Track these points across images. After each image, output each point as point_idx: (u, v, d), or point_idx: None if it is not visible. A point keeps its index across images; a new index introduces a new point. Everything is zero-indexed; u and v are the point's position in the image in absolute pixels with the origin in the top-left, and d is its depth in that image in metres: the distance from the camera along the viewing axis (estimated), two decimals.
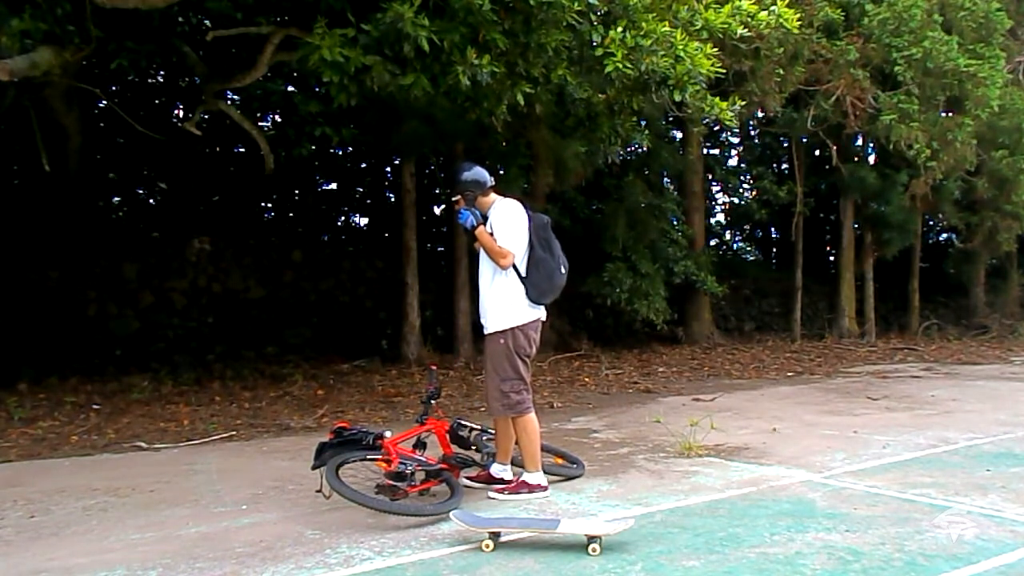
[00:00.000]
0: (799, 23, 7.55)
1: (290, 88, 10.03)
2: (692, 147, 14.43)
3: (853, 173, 14.59)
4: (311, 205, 13.93)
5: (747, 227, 20.82)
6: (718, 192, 19.74)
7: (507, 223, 4.19)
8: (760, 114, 13.53)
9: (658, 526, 3.67)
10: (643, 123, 10.43)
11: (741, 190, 19.66)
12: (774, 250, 21.09)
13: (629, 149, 12.63)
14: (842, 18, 11.25)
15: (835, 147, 13.80)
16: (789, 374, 10.73)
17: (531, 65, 6.27)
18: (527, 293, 4.20)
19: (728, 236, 21.07)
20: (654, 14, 6.23)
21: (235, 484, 4.81)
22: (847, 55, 11.29)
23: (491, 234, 4.20)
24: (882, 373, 10.62)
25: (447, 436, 4.52)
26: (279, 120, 11.98)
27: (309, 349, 10.95)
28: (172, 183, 12.51)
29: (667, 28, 6.16)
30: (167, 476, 5.09)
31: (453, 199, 4.38)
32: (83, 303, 10.02)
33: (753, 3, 6.78)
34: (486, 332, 4.29)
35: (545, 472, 4.56)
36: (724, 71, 7.23)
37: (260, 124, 11.11)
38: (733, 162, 19.51)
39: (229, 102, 9.73)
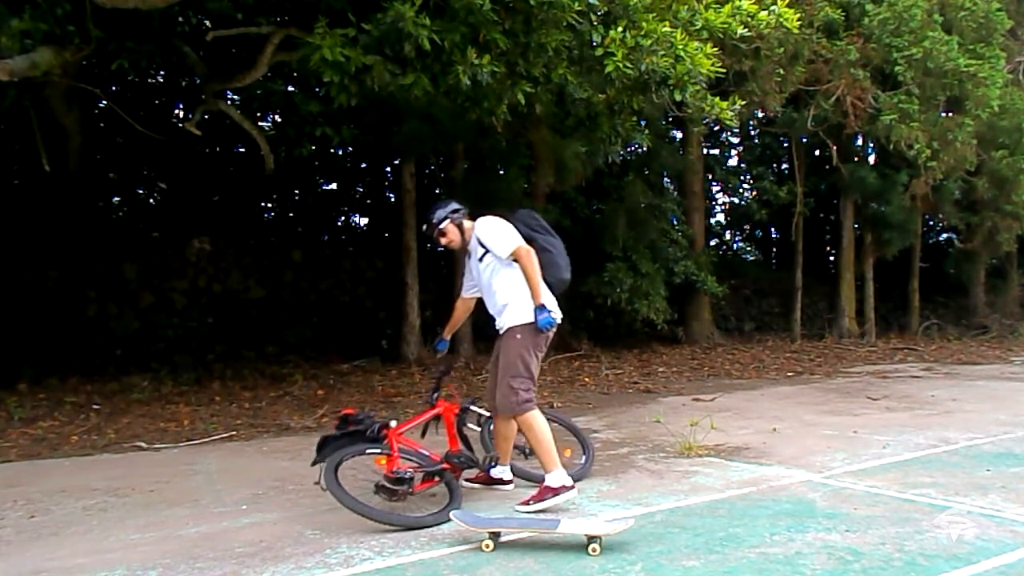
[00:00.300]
0: (799, 23, 7.54)
1: (290, 88, 10.02)
2: (692, 147, 14.43)
3: (853, 173, 14.58)
4: (311, 205, 13.93)
5: (747, 227, 20.82)
6: (718, 192, 19.77)
7: (496, 233, 4.17)
8: (760, 114, 13.53)
9: (658, 526, 3.67)
10: (643, 123, 10.42)
11: (741, 190, 19.68)
12: (774, 250, 21.09)
13: (629, 149, 12.64)
14: (842, 18, 11.25)
15: (835, 147, 13.80)
16: (789, 374, 10.73)
17: (531, 65, 6.27)
18: (546, 277, 4.14)
19: (728, 236, 21.09)
20: (654, 14, 6.23)
21: (235, 484, 4.82)
22: (847, 55, 11.29)
23: (487, 252, 4.19)
24: (882, 373, 10.62)
25: (455, 423, 4.44)
26: (279, 120, 11.98)
27: (309, 349, 10.95)
28: (172, 183, 12.51)
29: (667, 28, 6.15)
30: (167, 476, 5.09)
31: (439, 229, 4.32)
32: (83, 303, 10.02)
33: (753, 3, 6.77)
34: (502, 330, 4.18)
35: (527, 478, 4.56)
36: (724, 71, 7.22)
37: (260, 124, 11.11)
38: (733, 162, 19.54)
39: (229, 102, 9.73)
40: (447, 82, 5.89)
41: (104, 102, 8.98)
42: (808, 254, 16.05)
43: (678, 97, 6.45)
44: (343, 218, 14.70)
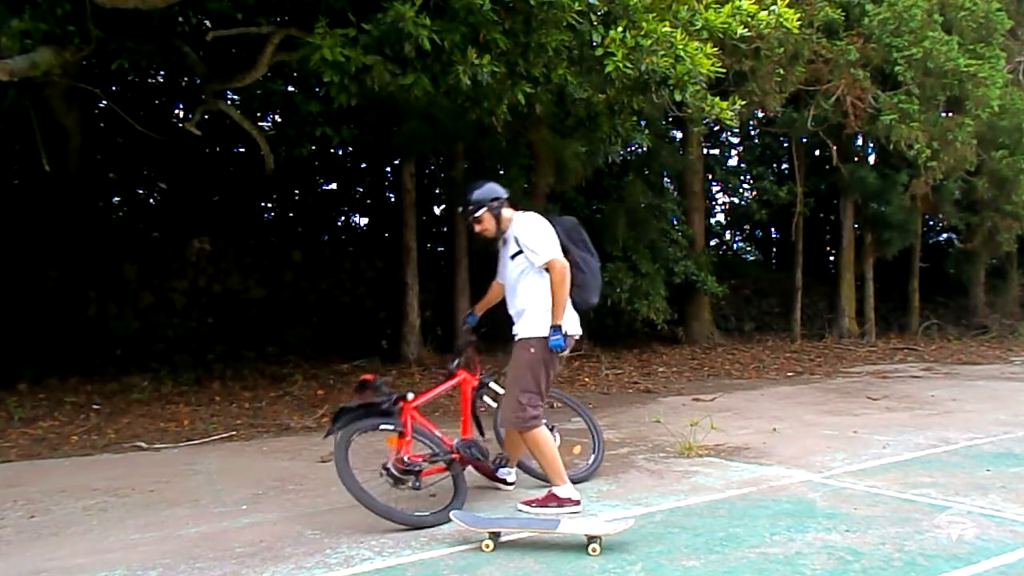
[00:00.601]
0: (799, 23, 7.55)
1: (290, 88, 10.03)
2: (692, 147, 14.43)
3: (853, 173, 14.58)
4: (311, 205, 13.93)
5: (747, 227, 20.82)
6: (718, 192, 19.76)
7: (536, 237, 3.95)
8: (760, 114, 13.53)
9: (658, 526, 3.67)
10: (643, 123, 10.43)
11: (741, 190, 19.68)
12: (774, 250, 21.09)
13: (629, 149, 12.63)
14: (842, 18, 11.26)
15: (835, 147, 13.80)
16: (789, 374, 10.73)
17: (531, 65, 6.27)
18: (576, 296, 3.99)
19: (728, 236, 21.09)
20: (654, 14, 6.23)
21: (235, 484, 4.82)
22: (847, 55, 11.29)
23: (520, 252, 3.99)
24: (882, 373, 10.62)
25: (472, 396, 4.36)
26: (279, 120, 11.99)
27: (309, 349, 10.95)
28: (172, 183, 12.51)
29: (667, 28, 6.16)
30: (167, 476, 5.09)
31: (474, 217, 4.11)
32: (83, 303, 10.02)
33: (753, 3, 6.78)
34: (516, 337, 4.04)
35: (535, 475, 4.54)
36: (724, 71, 7.22)
37: (260, 124, 11.12)
38: (733, 162, 19.53)
39: (229, 102, 9.74)
40: (447, 82, 5.90)
41: (104, 102, 8.98)
42: (808, 254, 16.05)
43: (678, 97, 6.46)
44: (343, 218, 14.70)
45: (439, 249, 13.93)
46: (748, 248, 21.33)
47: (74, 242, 9.95)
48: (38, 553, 3.56)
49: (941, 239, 20.30)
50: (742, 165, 19.40)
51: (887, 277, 17.23)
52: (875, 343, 15.00)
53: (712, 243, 18.20)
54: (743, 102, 7.52)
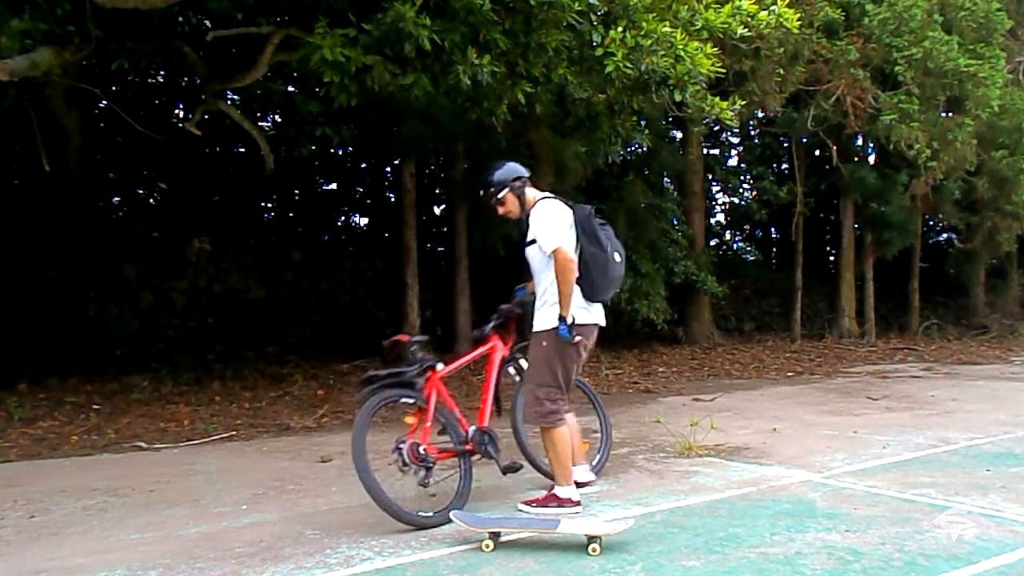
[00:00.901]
0: (799, 23, 7.55)
1: (290, 88, 10.03)
2: (692, 147, 14.43)
3: (853, 173, 14.58)
4: (311, 205, 13.93)
5: (747, 227, 20.82)
6: (718, 192, 19.76)
7: (547, 225, 3.84)
8: (760, 114, 13.52)
9: (658, 526, 3.67)
10: (643, 123, 10.42)
11: (741, 190, 19.68)
12: (774, 250, 21.09)
13: (629, 149, 12.63)
14: (842, 18, 11.25)
15: (835, 147, 13.80)
16: (789, 374, 10.73)
17: (531, 65, 6.27)
18: (583, 292, 3.86)
19: (728, 236, 21.09)
20: (654, 14, 6.24)
21: (235, 484, 4.82)
22: (847, 55, 11.29)
23: (534, 241, 3.90)
24: (882, 373, 10.62)
25: (499, 366, 4.28)
26: (279, 120, 11.99)
27: (309, 349, 10.95)
28: (172, 183, 12.51)
29: (667, 28, 6.16)
30: (167, 476, 5.09)
31: (497, 198, 4.03)
32: (83, 303, 10.02)
33: (753, 3, 6.78)
34: (534, 329, 3.96)
35: (545, 475, 4.53)
36: (724, 71, 7.22)
37: (260, 124, 11.12)
38: (733, 162, 19.53)
39: (229, 102, 9.74)
40: (447, 82, 5.90)
41: (104, 102, 8.98)
42: (808, 254, 16.05)
43: (678, 97, 6.46)
44: (343, 218, 14.70)
45: (439, 249, 13.93)
46: (748, 248, 21.34)
47: (74, 242, 9.96)
48: (38, 553, 3.56)
49: (941, 239, 20.30)
50: (742, 165, 19.40)
51: (887, 277, 17.23)
52: (875, 343, 15.00)
53: (712, 243, 18.20)
54: (743, 102, 7.52)
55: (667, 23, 6.26)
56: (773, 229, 20.60)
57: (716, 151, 18.52)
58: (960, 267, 18.09)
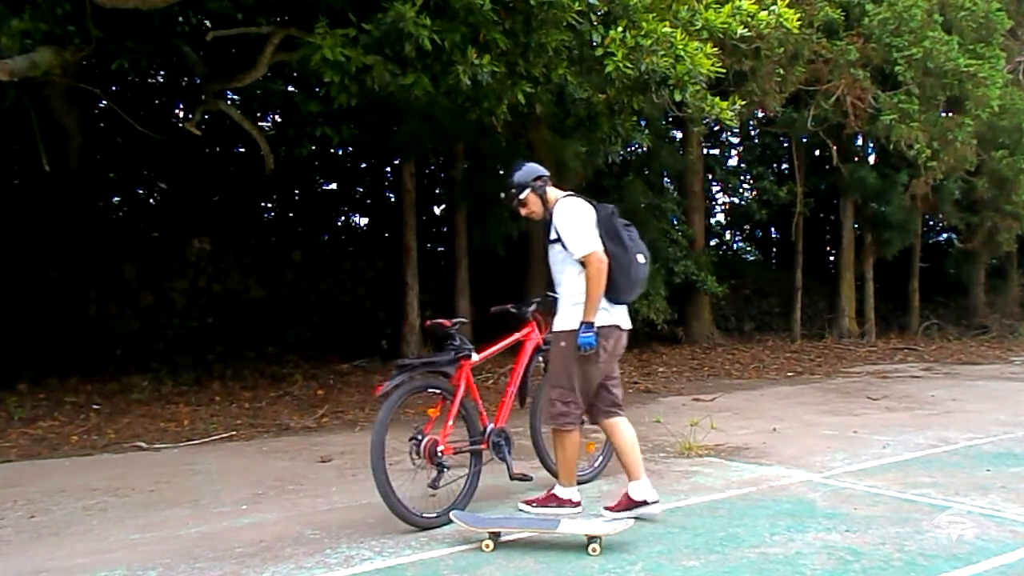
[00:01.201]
0: (799, 23, 7.55)
1: (290, 88, 10.03)
2: (692, 147, 14.43)
3: (853, 173, 14.58)
4: (311, 205, 13.94)
5: (747, 227, 20.82)
6: (718, 192, 19.76)
7: (576, 227, 3.75)
8: (760, 114, 13.53)
9: (658, 526, 3.67)
10: (643, 123, 10.43)
11: (741, 190, 19.67)
12: (774, 250, 21.09)
13: (629, 149, 12.63)
14: (842, 18, 11.25)
15: (835, 147, 13.80)
16: (789, 374, 10.73)
17: (531, 65, 6.27)
18: (606, 295, 3.75)
19: (728, 236, 21.09)
20: (654, 14, 6.24)
21: (235, 484, 4.82)
22: (847, 55, 11.29)
23: (558, 239, 3.81)
24: (882, 373, 10.62)
25: (531, 356, 4.24)
26: (279, 120, 11.99)
27: (309, 349, 10.96)
28: (172, 183, 12.52)
29: (667, 28, 6.16)
30: (167, 476, 5.09)
31: (520, 199, 3.96)
32: (83, 303, 10.02)
33: (753, 3, 6.78)
34: (553, 329, 3.90)
35: (554, 475, 4.51)
36: (724, 71, 7.22)
37: (260, 124, 11.12)
38: (733, 162, 19.53)
39: (229, 102, 9.74)
40: (447, 82, 5.90)
41: (104, 102, 8.99)
42: (808, 254, 16.05)
43: (678, 97, 6.46)
44: (343, 218, 14.71)
45: (439, 249, 13.93)
46: (748, 248, 21.33)
47: (74, 242, 9.96)
48: (38, 553, 3.56)
49: (941, 239, 20.30)
50: (742, 165, 19.40)
51: (887, 277, 17.23)
52: (875, 343, 15.00)
53: (712, 243, 18.20)
54: (743, 102, 7.52)
55: (667, 23, 6.26)
56: (773, 229, 20.61)
57: (716, 151, 18.53)
58: (960, 267, 18.09)
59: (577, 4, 5.81)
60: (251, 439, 6.45)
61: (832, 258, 18.03)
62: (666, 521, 3.75)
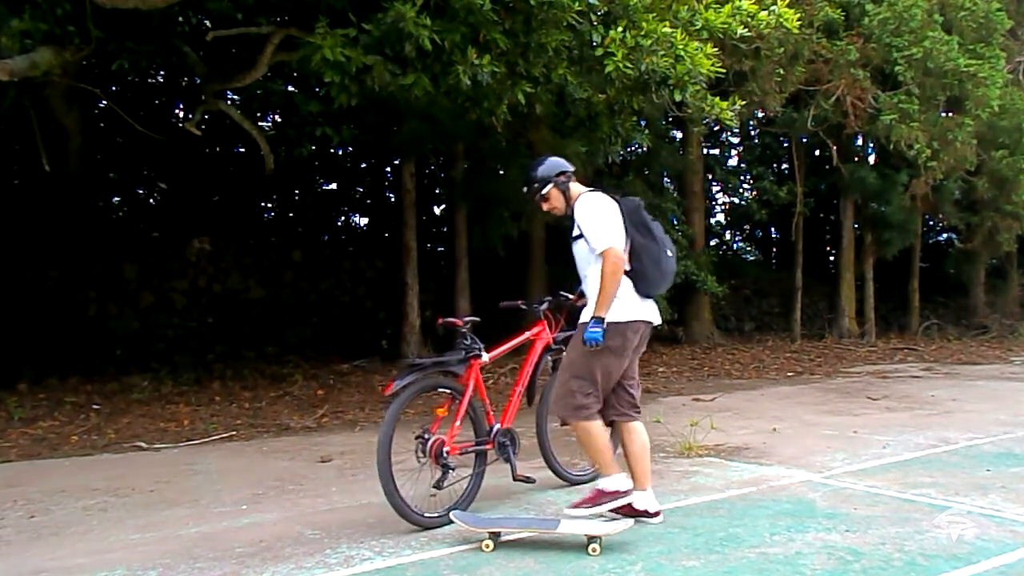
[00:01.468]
0: (799, 23, 7.55)
1: (290, 88, 10.03)
2: (692, 147, 14.43)
3: (853, 173, 14.58)
4: (311, 205, 13.94)
5: (747, 227, 20.81)
6: (718, 192, 19.75)
7: (595, 220, 3.65)
8: (760, 114, 13.52)
9: (658, 526, 3.67)
10: (643, 123, 10.42)
11: (741, 190, 19.67)
12: (774, 250, 21.09)
13: (629, 149, 12.63)
14: (842, 18, 11.25)
15: (835, 147, 13.80)
16: (789, 374, 10.73)
17: (531, 65, 6.27)
18: (636, 288, 3.66)
19: (728, 236, 21.08)
20: (654, 14, 6.23)
21: (235, 484, 4.82)
22: (847, 55, 11.29)
23: (581, 236, 3.71)
24: (882, 373, 10.62)
25: (540, 355, 4.19)
26: (279, 120, 11.99)
27: (309, 349, 10.96)
28: (172, 183, 12.52)
29: (667, 28, 6.16)
30: (167, 476, 5.09)
31: (542, 194, 3.87)
32: (83, 303, 10.02)
33: (753, 3, 6.78)
34: (580, 322, 3.74)
35: (559, 476, 4.49)
36: (724, 71, 7.22)
37: (260, 124, 11.12)
38: (733, 162, 19.52)
39: (229, 102, 9.74)
40: (447, 82, 5.90)
41: (104, 102, 8.98)
42: (808, 254, 16.05)
43: (678, 97, 6.46)
44: (343, 218, 14.71)
45: (439, 249, 13.93)
46: (748, 248, 21.33)
47: (74, 242, 9.96)
48: (38, 553, 3.56)
49: (941, 239, 20.31)
50: (742, 165, 19.40)
51: (887, 277, 17.24)
52: (875, 343, 15.00)
53: (712, 243, 18.20)
54: (743, 102, 7.52)
55: (667, 23, 6.26)
56: (773, 229, 20.60)
57: (716, 151, 18.53)
58: (960, 267, 18.09)
59: (577, 4, 5.81)
60: (251, 439, 6.45)
61: (832, 258, 18.03)
62: (666, 521, 3.75)
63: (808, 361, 12.13)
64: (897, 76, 11.33)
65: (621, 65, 5.97)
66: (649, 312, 3.74)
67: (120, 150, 11.36)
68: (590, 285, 3.71)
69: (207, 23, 7.74)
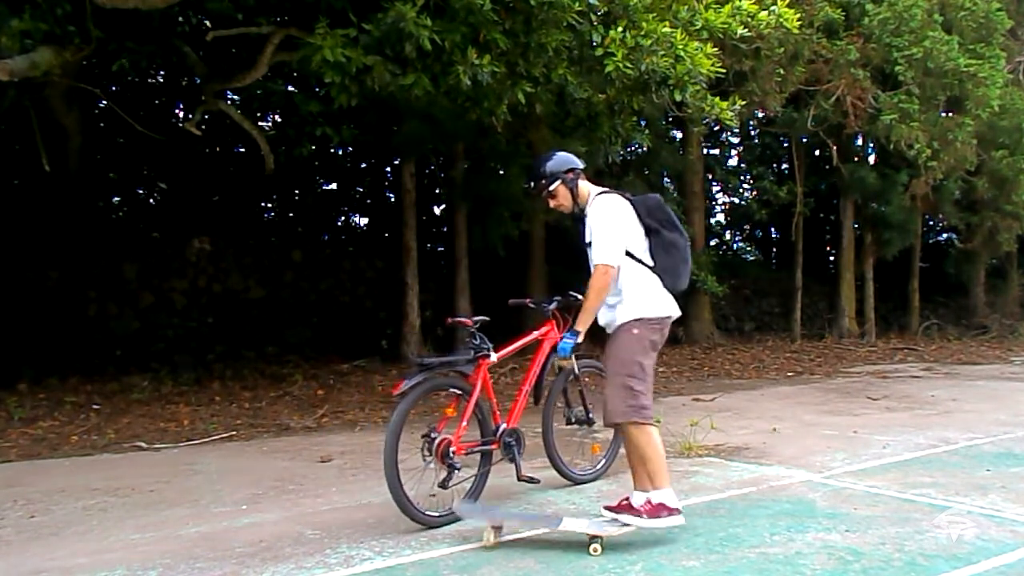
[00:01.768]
0: (799, 23, 7.54)
1: (290, 88, 10.03)
2: (692, 147, 14.43)
3: (853, 173, 14.59)
4: (311, 205, 13.94)
5: (747, 227, 20.82)
6: (718, 192, 19.77)
7: (602, 231, 3.54)
8: (760, 114, 13.53)
9: None
10: (643, 123, 10.42)
11: (741, 190, 19.68)
12: (774, 250, 21.09)
13: (629, 149, 12.63)
14: (842, 18, 11.25)
15: (835, 147, 13.80)
16: (789, 374, 10.73)
17: (531, 65, 6.27)
18: (663, 283, 3.60)
19: (728, 236, 21.09)
20: (654, 14, 6.23)
21: (235, 484, 4.81)
22: (847, 55, 11.29)
23: (590, 242, 3.60)
24: (882, 373, 10.62)
25: (546, 356, 4.15)
26: (279, 120, 11.99)
27: (309, 349, 10.96)
28: (172, 183, 12.52)
29: (667, 28, 6.16)
30: (167, 476, 5.09)
31: (548, 191, 3.75)
32: (83, 303, 10.02)
33: (753, 3, 6.78)
34: (610, 327, 3.66)
35: (563, 476, 4.48)
36: (724, 71, 7.22)
37: (260, 124, 11.12)
38: (733, 162, 19.53)
39: (229, 102, 9.74)
40: (447, 82, 5.89)
41: (104, 102, 8.98)
42: (808, 254, 16.05)
43: (678, 97, 6.46)
44: (343, 218, 14.71)
45: (439, 249, 13.93)
46: (748, 248, 21.34)
47: (74, 242, 9.95)
48: (38, 553, 3.56)
49: (941, 239, 20.31)
50: (742, 165, 19.41)
51: (887, 277, 17.24)
52: (875, 343, 15.00)
53: (712, 243, 18.21)
54: (743, 102, 7.52)
55: (667, 23, 6.26)
56: (773, 229, 20.61)
57: (716, 151, 18.53)
58: (960, 267, 18.10)
59: (577, 4, 5.81)
60: (251, 439, 6.45)
61: (832, 258, 18.04)
62: None
63: (808, 361, 12.13)
64: (897, 76, 11.33)
65: (621, 65, 5.97)
66: (674, 307, 3.69)
67: (120, 150, 11.36)
68: (619, 286, 3.62)
69: (207, 23, 7.74)
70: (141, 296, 10.44)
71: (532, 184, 3.85)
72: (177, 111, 11.80)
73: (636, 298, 3.57)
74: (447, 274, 11.95)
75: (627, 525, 3.41)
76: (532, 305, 4.45)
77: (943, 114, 12.44)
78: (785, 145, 16.80)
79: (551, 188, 3.74)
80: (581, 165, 3.79)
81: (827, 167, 15.51)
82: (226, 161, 12.57)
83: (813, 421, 6.71)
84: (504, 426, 4.04)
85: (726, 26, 6.60)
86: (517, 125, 8.74)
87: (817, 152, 16.58)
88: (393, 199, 13.57)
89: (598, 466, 4.70)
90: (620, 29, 5.98)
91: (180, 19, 7.49)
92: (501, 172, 11.09)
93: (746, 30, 6.81)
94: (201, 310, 10.75)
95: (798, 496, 4.20)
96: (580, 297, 4.11)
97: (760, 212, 17.07)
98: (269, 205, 13.95)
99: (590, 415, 4.57)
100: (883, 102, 11.70)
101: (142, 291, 10.47)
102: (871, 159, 15.87)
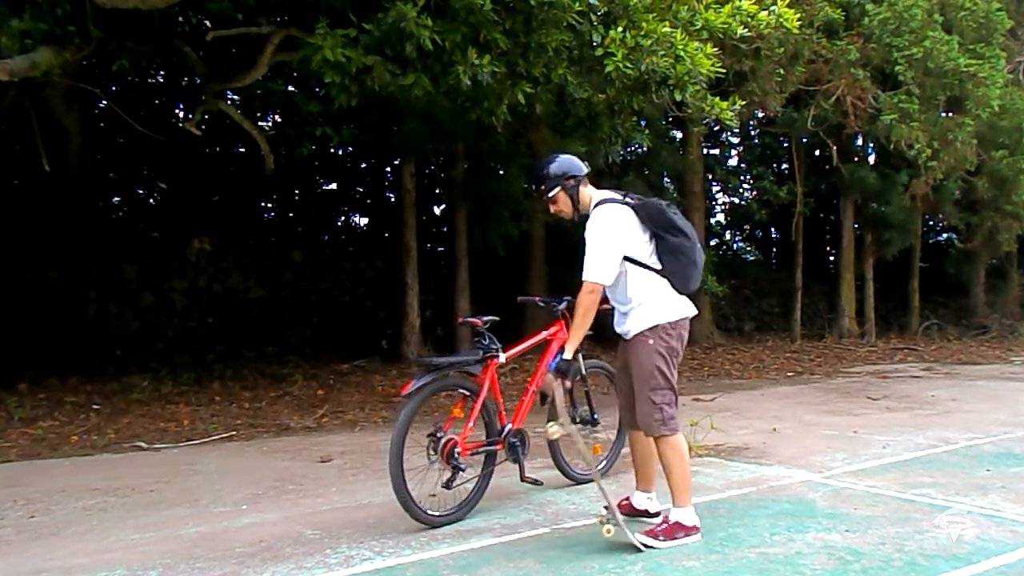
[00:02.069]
0: (799, 23, 7.54)
1: (290, 88, 10.02)
2: (692, 147, 14.42)
3: (853, 173, 14.59)
4: (311, 205, 13.93)
5: (747, 227, 20.82)
6: (718, 192, 19.76)
7: (596, 246, 3.45)
8: (760, 114, 13.52)
9: None
10: (643, 123, 10.41)
11: (741, 190, 19.68)
12: (774, 250, 21.09)
13: (629, 149, 12.62)
14: (842, 18, 11.25)
15: (835, 147, 13.80)
16: (789, 374, 10.73)
17: (531, 65, 6.27)
18: (674, 285, 3.53)
19: (728, 236, 21.08)
20: (654, 14, 6.23)
21: (235, 484, 4.82)
22: (847, 55, 11.29)
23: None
24: (882, 373, 10.62)
25: (552, 361, 4.11)
26: (279, 120, 11.98)
27: (309, 349, 10.95)
28: (172, 183, 12.51)
29: (667, 28, 6.16)
30: (167, 476, 5.09)
31: (548, 197, 3.67)
32: (83, 303, 10.02)
33: (753, 3, 6.78)
34: (627, 335, 3.59)
35: (566, 476, 4.48)
36: (724, 71, 7.22)
37: (260, 124, 11.11)
38: (733, 162, 19.52)
39: (229, 102, 9.73)
40: (447, 82, 5.89)
41: (104, 102, 8.98)
42: (808, 254, 16.05)
43: (678, 97, 6.46)
44: (343, 218, 14.70)
45: (439, 249, 13.93)
46: (748, 248, 21.33)
47: (74, 242, 9.95)
48: (38, 553, 3.56)
49: (941, 239, 20.31)
50: (742, 165, 19.40)
51: (887, 277, 17.24)
52: (875, 343, 15.00)
53: (712, 243, 18.20)
54: (743, 102, 7.52)
55: (667, 23, 6.26)
56: (773, 229, 20.60)
57: (716, 151, 18.52)
58: (960, 267, 18.10)
59: (577, 4, 5.81)
60: (251, 439, 6.45)
61: (832, 258, 18.03)
62: None
63: (808, 361, 12.13)
64: (897, 76, 11.33)
65: (621, 65, 5.97)
66: (689, 308, 3.63)
67: (120, 150, 11.35)
68: (631, 293, 3.57)
69: (207, 23, 7.74)
70: (141, 296, 10.44)
71: (532, 187, 3.78)
72: (177, 111, 11.80)
73: (648, 304, 3.52)
74: (447, 274, 11.95)
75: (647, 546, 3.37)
76: (541, 304, 4.43)
77: (943, 114, 12.44)
78: (785, 145, 16.80)
79: (551, 194, 3.66)
80: (584, 171, 3.68)
81: (827, 167, 15.51)
82: (226, 161, 12.57)
83: (813, 421, 6.71)
84: (510, 426, 4.03)
85: (726, 26, 6.60)
86: (517, 125, 8.73)
87: (817, 152, 16.58)
88: (393, 199, 13.57)
89: (600, 466, 4.68)
90: (620, 29, 5.98)
91: (180, 19, 7.49)
92: (501, 172, 11.09)
93: (746, 30, 6.81)
94: (201, 310, 10.75)
95: (798, 496, 4.20)
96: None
97: (760, 212, 17.07)
98: (269, 205, 13.95)
99: (595, 415, 4.57)
100: (883, 102, 11.70)
101: (142, 291, 10.46)
102: (871, 159, 15.88)
